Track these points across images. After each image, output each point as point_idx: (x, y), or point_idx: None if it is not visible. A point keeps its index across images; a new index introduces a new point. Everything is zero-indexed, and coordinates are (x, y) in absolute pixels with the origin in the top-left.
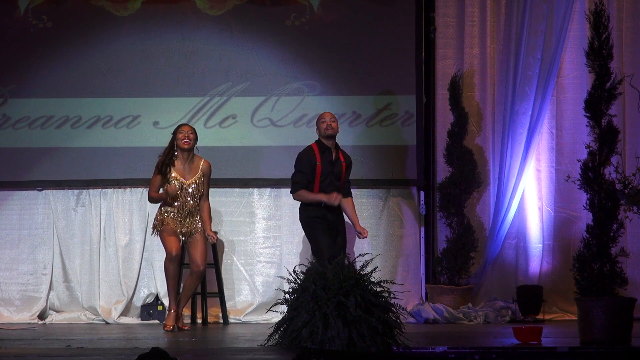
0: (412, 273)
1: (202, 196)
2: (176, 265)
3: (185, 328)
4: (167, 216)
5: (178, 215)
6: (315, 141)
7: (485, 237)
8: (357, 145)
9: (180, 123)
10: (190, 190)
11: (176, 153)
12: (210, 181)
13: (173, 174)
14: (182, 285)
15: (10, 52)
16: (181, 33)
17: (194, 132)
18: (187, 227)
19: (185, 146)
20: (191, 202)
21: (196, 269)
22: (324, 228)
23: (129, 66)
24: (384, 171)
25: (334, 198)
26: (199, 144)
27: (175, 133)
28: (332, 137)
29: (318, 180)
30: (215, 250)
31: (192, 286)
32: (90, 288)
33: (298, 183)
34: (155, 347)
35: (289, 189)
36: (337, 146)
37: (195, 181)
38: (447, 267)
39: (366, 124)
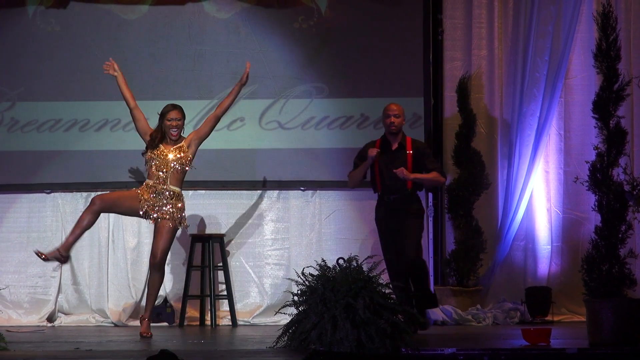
0: None
1: (217, 111)
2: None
3: (146, 335)
4: (144, 191)
5: (150, 193)
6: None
7: (494, 238)
8: None
9: (169, 104)
10: (169, 162)
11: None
12: (218, 183)
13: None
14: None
15: (18, 56)
16: (189, 36)
17: (183, 116)
18: (152, 204)
19: (173, 137)
20: (167, 177)
21: (152, 260)
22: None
23: (137, 69)
24: None
25: (373, 152)
26: (206, 147)
27: (162, 117)
28: (395, 133)
29: (377, 173)
30: (223, 252)
31: (154, 283)
32: (99, 290)
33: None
34: (163, 349)
35: (297, 191)
36: (403, 136)
37: (177, 150)
38: (455, 269)
39: (374, 127)
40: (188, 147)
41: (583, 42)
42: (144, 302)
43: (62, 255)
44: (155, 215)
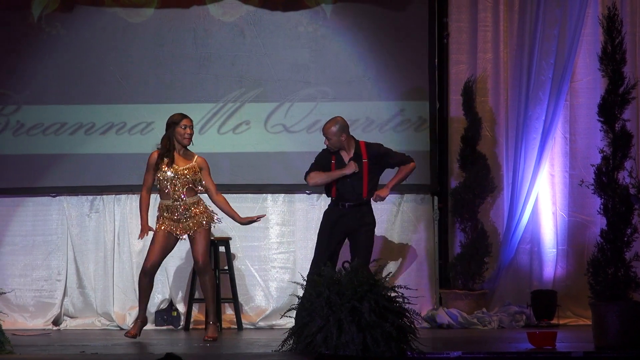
0: (426, 278)
1: (211, 191)
2: (147, 279)
3: (213, 338)
4: (163, 214)
5: (171, 212)
6: None
7: (499, 242)
8: None
9: (177, 113)
10: (183, 178)
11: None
12: (223, 187)
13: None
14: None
15: (24, 59)
16: (194, 39)
17: (193, 125)
18: (183, 224)
19: (186, 143)
20: (183, 192)
21: (195, 266)
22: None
23: (142, 72)
24: None
25: (352, 166)
26: (213, 150)
27: (174, 125)
28: (333, 150)
29: (334, 182)
30: (229, 255)
31: (205, 287)
32: (104, 294)
33: (309, 169)
34: (169, 353)
35: (303, 194)
36: (356, 144)
37: (189, 170)
38: (461, 272)
39: (379, 130)
40: (200, 170)
41: (588, 45)
42: (149, 306)
43: (143, 323)
44: (187, 231)
